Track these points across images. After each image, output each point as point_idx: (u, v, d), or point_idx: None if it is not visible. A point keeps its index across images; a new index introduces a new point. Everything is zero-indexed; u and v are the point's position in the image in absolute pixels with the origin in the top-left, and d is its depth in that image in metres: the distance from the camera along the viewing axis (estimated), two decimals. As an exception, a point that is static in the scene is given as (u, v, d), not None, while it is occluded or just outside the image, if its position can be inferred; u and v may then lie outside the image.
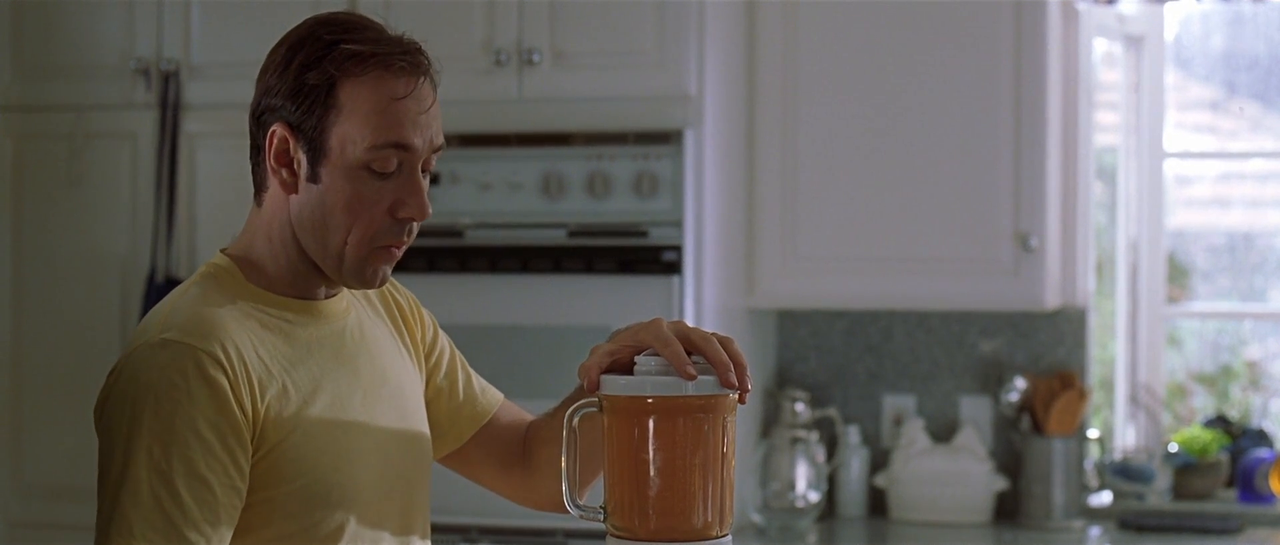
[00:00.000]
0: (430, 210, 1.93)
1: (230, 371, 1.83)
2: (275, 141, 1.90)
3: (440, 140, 1.94)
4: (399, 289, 2.17)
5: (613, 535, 1.82)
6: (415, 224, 1.93)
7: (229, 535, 1.84)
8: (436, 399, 2.17)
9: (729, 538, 1.83)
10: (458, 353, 2.22)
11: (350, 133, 1.87)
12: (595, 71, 3.80)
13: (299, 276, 1.96)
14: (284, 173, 1.91)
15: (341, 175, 1.88)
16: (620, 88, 3.79)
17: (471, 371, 2.23)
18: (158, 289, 3.97)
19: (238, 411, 1.83)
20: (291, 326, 1.94)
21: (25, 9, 4.16)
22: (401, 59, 1.90)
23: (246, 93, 1.99)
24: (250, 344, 1.87)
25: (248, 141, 1.99)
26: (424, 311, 2.18)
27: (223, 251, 1.99)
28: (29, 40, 4.17)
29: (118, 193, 4.11)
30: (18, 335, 4.19)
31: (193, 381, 1.81)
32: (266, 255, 1.95)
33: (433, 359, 2.18)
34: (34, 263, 4.18)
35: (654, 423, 1.77)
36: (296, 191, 1.91)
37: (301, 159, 1.89)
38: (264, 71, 1.94)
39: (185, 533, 1.79)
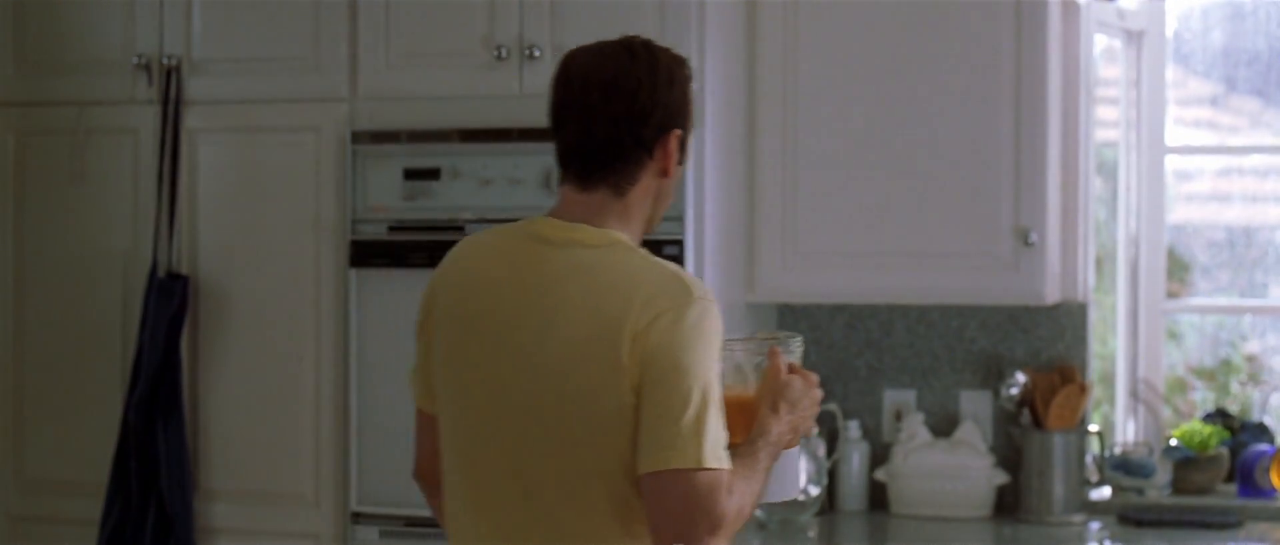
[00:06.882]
0: None
1: None
2: (673, 143, 2.43)
3: None
4: None
5: None
6: None
7: None
8: None
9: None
10: None
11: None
12: (596, 67, 3.79)
13: None
14: (675, 163, 2.45)
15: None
16: (621, 83, 3.78)
17: None
18: (159, 284, 3.97)
19: None
20: None
21: (27, 5, 4.17)
22: None
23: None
24: None
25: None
26: None
27: (601, 230, 2.40)
28: (31, 36, 4.17)
29: (119, 188, 4.11)
30: (20, 330, 4.20)
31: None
32: (637, 233, 2.46)
33: None
34: (36, 258, 4.18)
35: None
36: (669, 175, 2.45)
37: (679, 152, 2.46)
38: (652, 88, 2.40)
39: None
